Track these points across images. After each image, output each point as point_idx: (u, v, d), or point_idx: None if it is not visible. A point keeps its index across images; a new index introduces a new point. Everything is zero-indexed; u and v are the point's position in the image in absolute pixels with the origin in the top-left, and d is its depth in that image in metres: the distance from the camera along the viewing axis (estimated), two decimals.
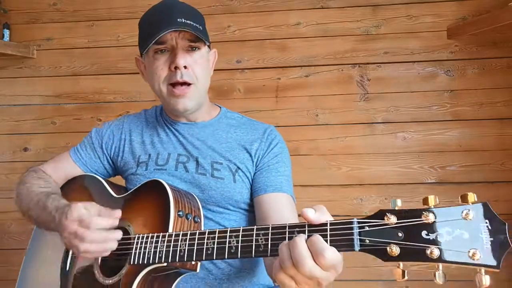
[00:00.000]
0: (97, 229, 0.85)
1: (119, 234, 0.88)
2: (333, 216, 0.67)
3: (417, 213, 0.59)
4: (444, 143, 1.98)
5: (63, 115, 2.16)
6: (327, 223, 0.64)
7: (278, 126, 2.07)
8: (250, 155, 1.12)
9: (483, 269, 0.54)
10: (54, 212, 0.97)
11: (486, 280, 0.53)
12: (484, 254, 0.54)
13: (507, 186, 1.94)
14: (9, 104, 2.18)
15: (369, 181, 2.00)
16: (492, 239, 0.54)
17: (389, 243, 0.59)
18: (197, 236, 0.78)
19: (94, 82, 2.15)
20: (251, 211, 1.12)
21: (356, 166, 2.01)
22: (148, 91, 2.11)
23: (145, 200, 0.98)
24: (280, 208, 1.04)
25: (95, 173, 1.19)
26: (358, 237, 0.61)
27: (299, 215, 0.86)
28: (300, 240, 0.63)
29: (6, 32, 2.11)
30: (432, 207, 0.59)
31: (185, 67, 1.04)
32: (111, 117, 2.13)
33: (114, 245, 0.87)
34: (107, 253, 0.88)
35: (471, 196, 0.57)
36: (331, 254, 0.61)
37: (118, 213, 0.90)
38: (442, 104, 1.99)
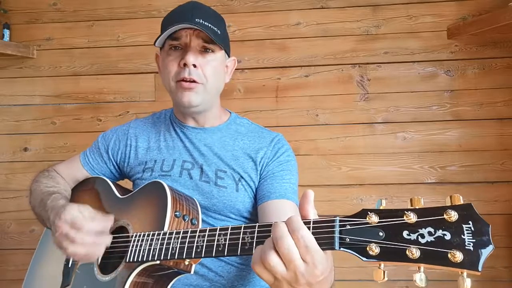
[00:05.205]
0: (89, 232, 0.86)
1: (108, 239, 0.89)
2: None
3: (399, 213, 0.58)
4: (444, 143, 1.98)
5: (63, 115, 2.16)
6: (310, 221, 0.64)
7: (278, 126, 2.09)
8: (255, 164, 1.11)
9: (465, 272, 0.53)
10: (50, 211, 0.98)
11: (467, 283, 0.52)
12: (465, 256, 0.53)
13: (507, 186, 1.94)
14: (9, 104, 2.18)
15: (369, 181, 2.00)
16: (474, 240, 0.53)
17: (370, 242, 0.58)
18: (188, 234, 0.78)
19: (94, 82, 2.16)
20: (253, 219, 1.11)
21: (356, 166, 2.01)
22: (148, 91, 2.14)
23: (145, 200, 0.99)
24: (284, 215, 1.01)
25: (103, 176, 1.21)
26: (339, 235, 0.61)
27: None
28: (281, 222, 0.63)
29: (6, 32, 2.11)
30: (416, 207, 0.58)
31: (194, 65, 1.03)
32: (111, 117, 2.14)
33: (101, 250, 0.88)
34: (94, 258, 0.89)
35: (456, 198, 0.57)
36: (307, 233, 0.60)
37: (111, 217, 0.91)
38: (442, 104, 1.99)
